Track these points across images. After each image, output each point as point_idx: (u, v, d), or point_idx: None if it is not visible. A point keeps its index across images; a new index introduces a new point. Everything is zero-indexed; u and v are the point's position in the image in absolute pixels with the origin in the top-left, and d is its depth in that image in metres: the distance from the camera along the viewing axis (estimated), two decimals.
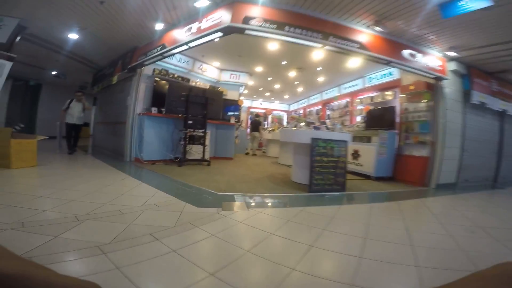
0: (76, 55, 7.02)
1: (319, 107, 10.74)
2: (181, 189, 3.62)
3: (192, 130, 5.83)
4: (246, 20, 3.59)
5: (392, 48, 4.36)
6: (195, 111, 5.89)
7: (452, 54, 4.78)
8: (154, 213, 2.46)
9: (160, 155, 5.97)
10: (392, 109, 5.92)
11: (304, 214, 2.77)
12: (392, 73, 6.50)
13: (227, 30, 3.70)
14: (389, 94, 6.62)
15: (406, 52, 4.48)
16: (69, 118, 6.52)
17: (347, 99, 8.57)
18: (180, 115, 5.82)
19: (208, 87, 7.50)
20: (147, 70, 6.15)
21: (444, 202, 3.95)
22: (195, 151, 6.01)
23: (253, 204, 3.10)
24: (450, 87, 5.16)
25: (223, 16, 3.67)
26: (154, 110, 5.99)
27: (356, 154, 5.92)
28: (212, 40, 4.11)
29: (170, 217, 2.35)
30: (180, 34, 4.41)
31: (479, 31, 4.01)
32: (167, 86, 6.06)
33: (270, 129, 10.11)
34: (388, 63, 4.45)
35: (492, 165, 6.29)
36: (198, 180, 4.09)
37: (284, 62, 7.09)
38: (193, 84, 7.13)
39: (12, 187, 3.07)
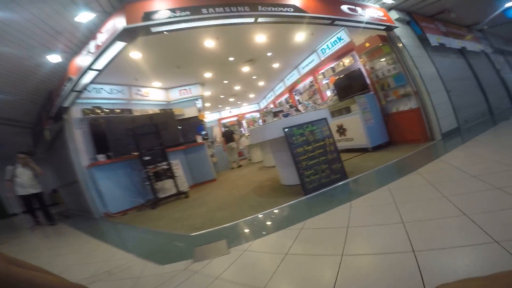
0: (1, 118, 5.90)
1: (287, 95, 10.12)
2: (148, 240, 2.94)
3: (153, 166, 4.90)
4: (147, 16, 2.87)
5: (329, 6, 3.82)
6: (149, 144, 4.98)
7: (388, 0, 4.33)
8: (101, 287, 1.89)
9: (130, 203, 5.08)
10: (358, 72, 5.36)
11: (307, 234, 1.98)
12: (341, 38, 5.98)
13: (126, 35, 2.99)
14: (348, 60, 6.08)
15: (345, 7, 3.97)
16: (20, 189, 5.23)
17: (310, 78, 7.99)
18: (132, 153, 4.90)
19: (158, 112, 6.59)
20: (76, 112, 5.15)
21: (468, 153, 3.24)
22: (167, 187, 5.10)
23: (236, 239, 2.27)
24: (404, 35, 4.78)
25: (117, 22, 2.98)
26: (100, 157, 5.01)
27: (341, 130, 5.29)
28: (118, 53, 3.35)
29: None
30: (81, 59, 3.60)
31: None
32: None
33: (247, 134, 9.32)
34: (332, 22, 3.86)
35: (480, 99, 6.01)
36: (171, 222, 3.38)
37: (231, 59, 6.36)
38: (138, 113, 6.18)
39: None
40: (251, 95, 11.66)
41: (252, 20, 3.37)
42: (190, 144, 6.06)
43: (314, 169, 3.02)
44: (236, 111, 13.42)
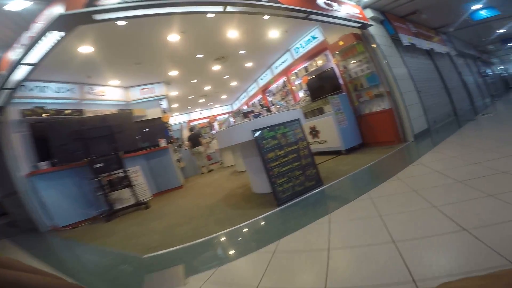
0: None
1: (260, 96, 9.82)
2: (92, 262, 2.51)
3: (106, 174, 4.26)
4: (91, 2, 2.35)
5: None
6: (101, 149, 4.32)
7: None
8: None
9: (81, 215, 4.40)
10: (331, 71, 5.19)
11: (281, 259, 1.61)
12: (315, 37, 5.84)
13: (63, 23, 2.46)
14: (321, 59, 5.93)
15: (321, 2, 3.74)
16: None
17: (283, 79, 7.76)
18: (81, 160, 4.21)
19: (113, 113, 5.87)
20: (13, 114, 4.38)
21: (446, 155, 3.09)
22: (125, 197, 4.48)
23: (195, 265, 1.84)
24: (377, 34, 4.68)
25: (55, 9, 2.44)
26: (43, 165, 4.26)
27: (314, 131, 5.06)
28: (55, 44, 2.77)
29: None
30: (13, 53, 2.98)
31: None
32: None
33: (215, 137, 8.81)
34: (308, 16, 3.58)
35: (446, 100, 6.18)
36: (123, 238, 2.90)
37: (200, 56, 5.88)
38: (90, 114, 5.44)
39: None
40: (223, 96, 11.21)
41: (220, 8, 2.95)
42: (152, 149, 5.44)
43: (287, 176, 2.68)
44: (207, 113, 12.86)
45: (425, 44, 5.73)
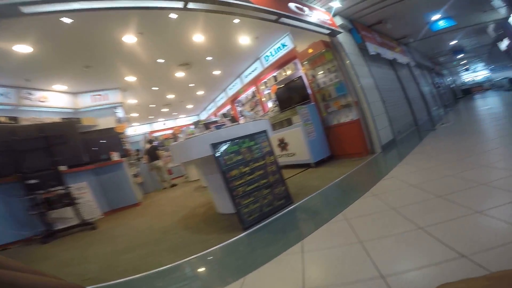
0: None
1: (229, 107, 9.48)
2: None
3: (43, 191, 3.56)
4: None
5: (276, 0, 3.34)
6: (36, 163, 3.62)
7: (335, 4, 4.17)
8: None
9: (12, 236, 3.62)
10: (299, 80, 5.08)
11: None
12: (285, 44, 5.73)
13: None
14: (290, 68, 5.82)
15: (293, 5, 3.58)
16: None
17: (252, 88, 7.55)
18: (10, 175, 3.48)
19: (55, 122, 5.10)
20: None
21: (417, 167, 2.99)
22: (68, 216, 3.82)
23: None
24: (345, 42, 4.65)
25: None
26: None
27: (283, 144, 4.83)
28: None
29: None
30: None
31: None
32: None
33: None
34: (278, 19, 3.39)
35: (407, 110, 6.39)
36: (58, 265, 2.39)
37: (160, 61, 5.40)
38: (28, 123, 4.63)
39: None
40: (189, 106, 10.66)
41: (180, 4, 2.60)
42: (103, 163, 4.75)
43: (254, 196, 2.34)
44: (171, 123, 12.13)
45: (389, 54, 5.90)
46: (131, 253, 2.32)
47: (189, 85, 7.65)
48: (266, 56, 6.34)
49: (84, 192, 4.31)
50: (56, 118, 5.22)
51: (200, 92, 8.84)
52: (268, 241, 1.96)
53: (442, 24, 6.39)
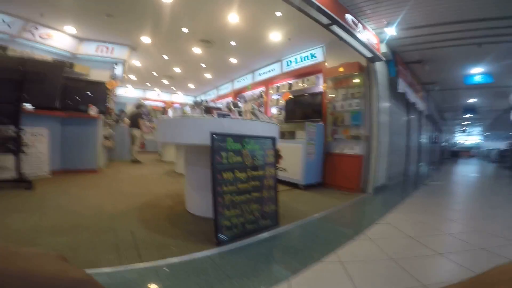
0: None
1: (230, 99, 9.02)
2: None
3: None
4: None
5: (336, 6, 3.02)
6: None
7: (389, 31, 3.84)
8: None
9: None
10: (318, 96, 4.76)
11: None
12: (314, 55, 5.37)
13: None
14: (310, 80, 5.48)
15: (349, 17, 3.28)
16: None
17: (262, 88, 7.15)
18: None
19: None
20: None
21: (413, 219, 2.81)
22: (5, 166, 3.18)
23: None
24: (380, 71, 4.35)
25: None
26: None
27: (277, 155, 4.46)
28: None
29: None
30: None
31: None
32: None
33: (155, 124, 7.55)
34: (331, 24, 3.04)
35: (403, 158, 6.19)
36: None
37: (185, 30, 4.90)
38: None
39: None
40: (190, 85, 10.09)
41: None
42: (76, 113, 4.16)
43: (240, 209, 1.94)
44: (165, 96, 11.48)
45: (413, 96, 5.61)
46: (61, 236, 1.83)
47: (201, 64, 7.16)
48: (289, 61, 5.98)
49: (40, 140, 3.70)
50: (48, 58, 4.65)
51: (207, 74, 8.34)
52: (245, 269, 1.56)
53: (478, 79, 5.88)
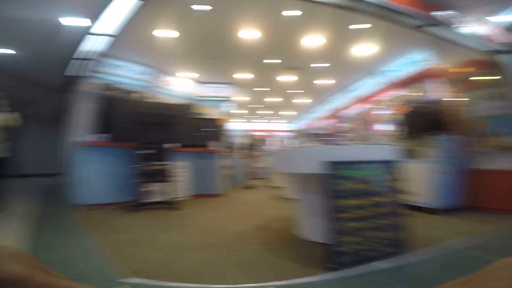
0: None
1: (327, 121, 8.78)
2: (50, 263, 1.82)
3: (151, 162, 4.03)
4: None
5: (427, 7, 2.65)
6: (157, 136, 4.14)
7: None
8: None
9: (112, 197, 4.14)
10: (436, 104, 4.02)
11: None
12: (417, 60, 4.67)
13: None
14: (418, 88, 4.70)
15: (439, 14, 2.77)
16: None
17: (361, 105, 6.67)
18: (130, 143, 4.04)
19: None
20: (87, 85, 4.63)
21: None
22: (158, 191, 4.18)
23: None
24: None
25: None
26: (103, 137, 4.22)
27: (398, 178, 3.92)
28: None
29: None
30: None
31: None
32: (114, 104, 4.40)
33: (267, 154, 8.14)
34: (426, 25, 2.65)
35: None
36: (119, 242, 2.35)
37: (275, 61, 5.39)
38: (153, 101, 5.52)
39: None
40: (284, 112, 10.57)
41: None
42: (202, 149, 5.12)
43: (357, 235, 1.81)
44: (261, 126, 12.34)
45: None
46: (199, 252, 2.17)
47: (290, 90, 7.51)
48: (387, 71, 5.43)
49: (183, 171, 4.68)
50: (181, 101, 6.06)
51: (298, 100, 8.60)
52: None
53: None
